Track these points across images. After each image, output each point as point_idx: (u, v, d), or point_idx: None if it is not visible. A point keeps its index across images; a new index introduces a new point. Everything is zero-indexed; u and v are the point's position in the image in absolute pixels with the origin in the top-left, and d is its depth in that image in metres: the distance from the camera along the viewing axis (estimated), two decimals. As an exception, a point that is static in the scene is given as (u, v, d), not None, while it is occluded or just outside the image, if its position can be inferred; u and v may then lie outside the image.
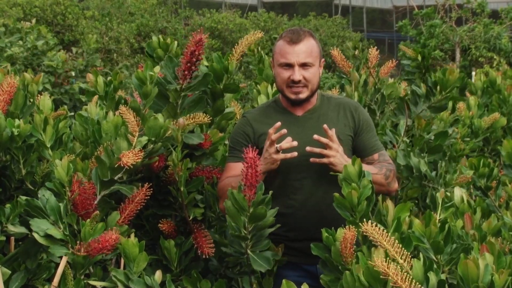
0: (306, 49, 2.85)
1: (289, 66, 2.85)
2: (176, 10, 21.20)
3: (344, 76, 4.03)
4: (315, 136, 2.75)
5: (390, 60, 4.02)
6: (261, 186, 2.52)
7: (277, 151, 2.71)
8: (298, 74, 2.84)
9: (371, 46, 4.00)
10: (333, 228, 2.45)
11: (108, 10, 18.31)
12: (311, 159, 2.75)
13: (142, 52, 17.35)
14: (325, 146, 2.74)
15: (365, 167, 2.56)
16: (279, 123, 2.74)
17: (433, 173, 3.59)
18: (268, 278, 2.88)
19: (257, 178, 2.45)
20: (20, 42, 8.54)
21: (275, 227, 2.64)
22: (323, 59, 2.98)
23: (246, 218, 2.52)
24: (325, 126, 2.75)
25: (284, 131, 2.73)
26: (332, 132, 2.75)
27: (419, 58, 3.72)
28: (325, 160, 2.72)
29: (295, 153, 2.72)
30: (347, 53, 3.99)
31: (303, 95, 2.87)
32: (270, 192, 2.59)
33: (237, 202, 2.49)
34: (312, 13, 22.59)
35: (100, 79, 3.06)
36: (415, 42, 19.44)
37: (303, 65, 2.84)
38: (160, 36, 3.08)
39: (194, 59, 2.71)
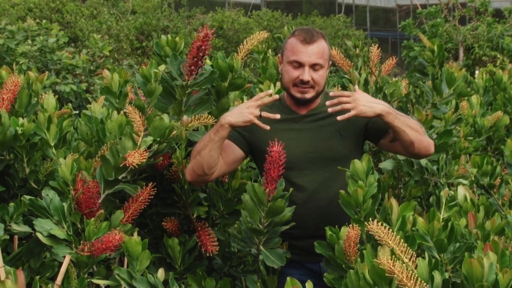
0: (318, 50, 2.84)
1: (300, 65, 2.84)
2: (179, 8, 21.13)
3: (345, 76, 4.03)
4: (331, 93, 2.76)
5: (391, 57, 4.01)
6: (281, 182, 2.52)
7: (259, 115, 2.67)
8: (307, 74, 2.83)
9: (372, 45, 3.98)
10: (336, 226, 2.45)
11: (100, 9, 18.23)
12: (339, 117, 2.70)
13: (143, 50, 17.30)
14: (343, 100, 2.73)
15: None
16: (278, 116, 2.71)
17: (435, 167, 3.57)
18: (273, 276, 2.87)
19: (279, 173, 2.45)
20: (29, 41, 8.52)
21: (289, 225, 2.64)
22: (330, 62, 2.98)
23: (263, 213, 2.53)
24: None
25: (278, 116, 2.71)
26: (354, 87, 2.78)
27: (436, 49, 3.63)
28: (352, 113, 2.68)
29: (278, 116, 2.70)
30: (352, 52, 3.98)
31: (309, 95, 2.87)
32: (291, 189, 2.60)
33: (256, 195, 2.49)
34: (315, 11, 22.53)
35: (116, 77, 3.05)
36: (419, 41, 19.38)
37: (313, 66, 2.83)
38: (168, 35, 3.07)
39: (201, 54, 2.69)
